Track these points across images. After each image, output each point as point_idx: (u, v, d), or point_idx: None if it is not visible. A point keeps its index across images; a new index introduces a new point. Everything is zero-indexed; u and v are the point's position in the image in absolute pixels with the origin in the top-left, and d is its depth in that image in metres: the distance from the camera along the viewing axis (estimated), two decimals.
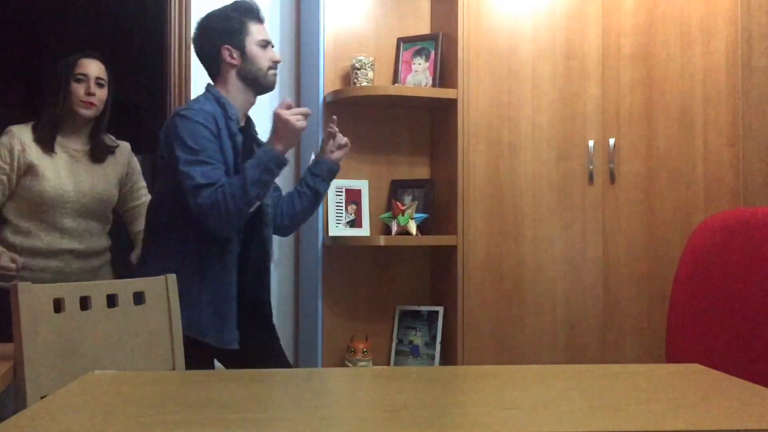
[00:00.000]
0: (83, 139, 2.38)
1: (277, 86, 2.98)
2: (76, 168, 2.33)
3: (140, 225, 2.43)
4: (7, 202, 2.29)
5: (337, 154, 2.23)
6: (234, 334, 2.02)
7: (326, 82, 2.74)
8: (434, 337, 2.63)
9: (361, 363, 2.60)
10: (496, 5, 2.61)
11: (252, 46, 2.10)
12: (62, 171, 2.29)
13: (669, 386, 1.22)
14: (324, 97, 2.73)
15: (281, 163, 1.97)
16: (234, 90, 2.11)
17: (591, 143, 2.60)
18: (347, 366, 2.64)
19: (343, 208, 2.71)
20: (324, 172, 2.22)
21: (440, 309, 2.66)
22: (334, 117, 2.24)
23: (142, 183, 2.56)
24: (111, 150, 2.44)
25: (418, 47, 2.76)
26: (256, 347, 2.11)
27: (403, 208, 2.62)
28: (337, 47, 2.76)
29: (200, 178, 1.92)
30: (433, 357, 2.62)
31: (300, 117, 1.97)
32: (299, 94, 3.02)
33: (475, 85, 2.58)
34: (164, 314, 1.95)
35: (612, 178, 2.60)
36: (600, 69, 2.63)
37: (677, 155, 2.58)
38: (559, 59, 2.62)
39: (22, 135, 2.28)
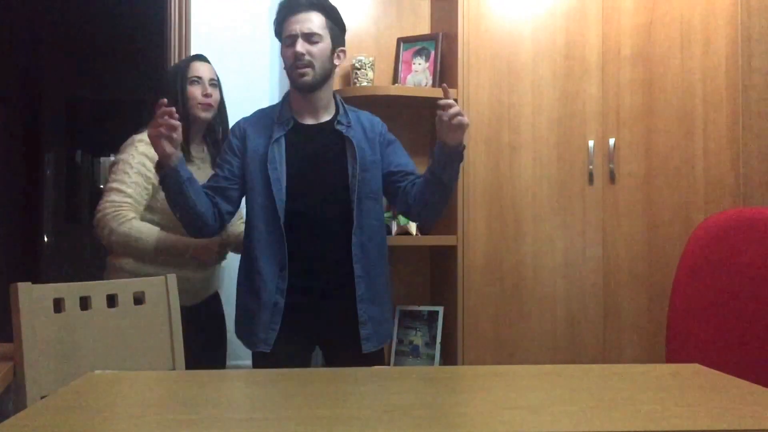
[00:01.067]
0: (198, 144, 2.35)
1: (276, 87, 3.00)
2: (200, 175, 2.23)
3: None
4: (146, 215, 2.24)
5: (451, 137, 1.89)
6: (263, 336, 2.01)
7: None
8: (434, 337, 2.63)
9: None
10: (496, 5, 2.61)
11: (282, 48, 2.11)
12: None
13: (669, 386, 1.22)
14: None
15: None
16: (291, 92, 2.14)
17: (591, 143, 2.60)
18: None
19: None
20: (443, 156, 1.94)
21: (440, 309, 2.66)
22: (444, 84, 1.96)
23: None
24: None
25: (418, 47, 2.76)
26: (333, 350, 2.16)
27: None
28: None
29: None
30: (433, 357, 2.62)
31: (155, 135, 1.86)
32: None
33: (475, 85, 2.58)
34: (164, 314, 1.95)
35: (612, 178, 2.60)
36: (600, 69, 2.62)
37: (677, 155, 2.57)
38: (559, 59, 2.62)
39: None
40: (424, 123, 2.84)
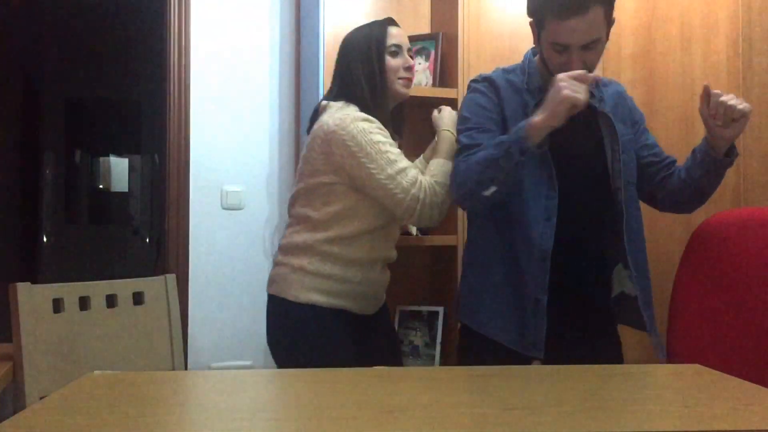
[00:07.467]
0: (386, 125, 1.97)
1: (276, 87, 3.00)
2: None
3: None
4: (360, 205, 1.88)
5: (728, 132, 1.60)
6: (532, 341, 1.68)
7: (326, 82, 2.73)
8: (434, 338, 2.63)
9: None
10: (496, 5, 2.61)
11: (546, 46, 1.75)
12: None
13: (669, 387, 1.22)
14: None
15: (523, 148, 1.59)
16: (538, 61, 1.87)
17: None
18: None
19: None
20: (708, 161, 1.68)
21: (440, 309, 2.65)
22: (706, 84, 1.65)
23: None
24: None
25: (418, 47, 2.75)
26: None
27: None
28: (337, 47, 2.75)
29: None
30: (433, 357, 2.62)
31: (574, 84, 1.53)
32: (299, 94, 3.02)
33: None
34: (164, 314, 1.95)
35: None
36: (600, 68, 2.62)
37: (678, 155, 2.55)
38: None
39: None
40: (424, 123, 2.82)
